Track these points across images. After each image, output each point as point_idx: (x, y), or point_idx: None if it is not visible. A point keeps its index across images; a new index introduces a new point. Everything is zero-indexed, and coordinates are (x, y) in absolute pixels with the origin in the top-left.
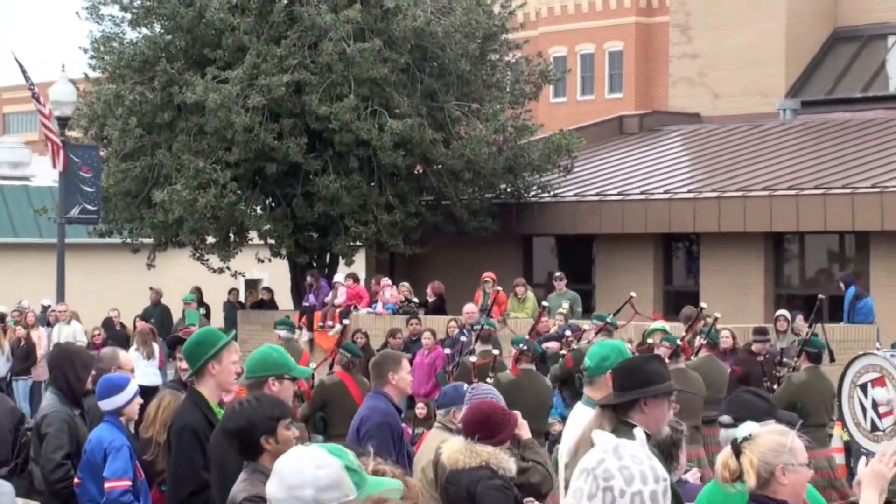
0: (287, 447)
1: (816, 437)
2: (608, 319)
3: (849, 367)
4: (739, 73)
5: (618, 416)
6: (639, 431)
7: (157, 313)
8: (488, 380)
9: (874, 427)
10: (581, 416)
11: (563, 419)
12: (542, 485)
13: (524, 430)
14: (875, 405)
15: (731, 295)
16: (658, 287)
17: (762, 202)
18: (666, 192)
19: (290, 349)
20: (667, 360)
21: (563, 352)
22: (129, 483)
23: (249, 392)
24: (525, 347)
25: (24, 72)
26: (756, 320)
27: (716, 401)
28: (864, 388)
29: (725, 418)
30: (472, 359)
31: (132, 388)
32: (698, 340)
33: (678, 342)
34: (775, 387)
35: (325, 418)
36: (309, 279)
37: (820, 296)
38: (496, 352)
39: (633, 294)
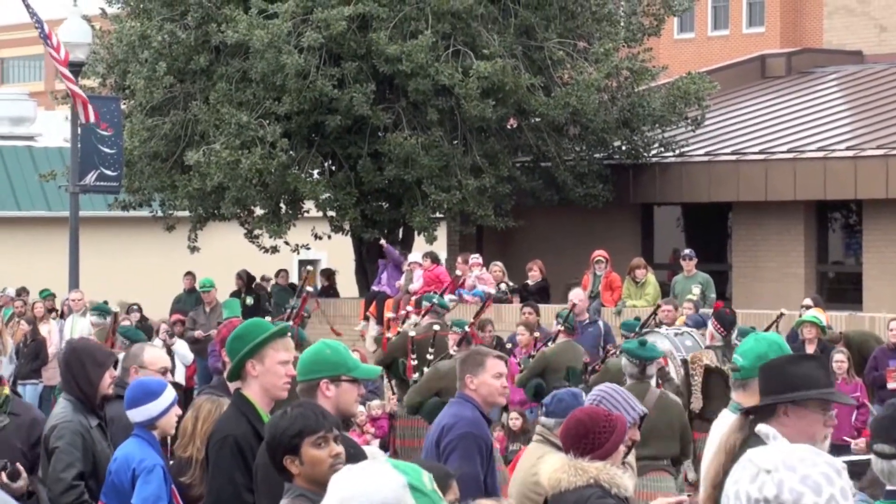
0: (319, 468)
1: None
2: (435, 300)
3: None
4: None
5: (751, 426)
6: (764, 428)
7: (191, 302)
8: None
9: None
10: (724, 425)
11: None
12: None
13: (637, 435)
14: None
15: None
16: (810, 267)
17: None
18: (820, 149)
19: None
20: (455, 348)
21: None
22: None
23: (302, 399)
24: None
25: (28, 7)
26: None
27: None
28: None
29: (885, 447)
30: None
31: (169, 396)
32: (555, 326)
33: (466, 328)
34: None
35: None
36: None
37: None
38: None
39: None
